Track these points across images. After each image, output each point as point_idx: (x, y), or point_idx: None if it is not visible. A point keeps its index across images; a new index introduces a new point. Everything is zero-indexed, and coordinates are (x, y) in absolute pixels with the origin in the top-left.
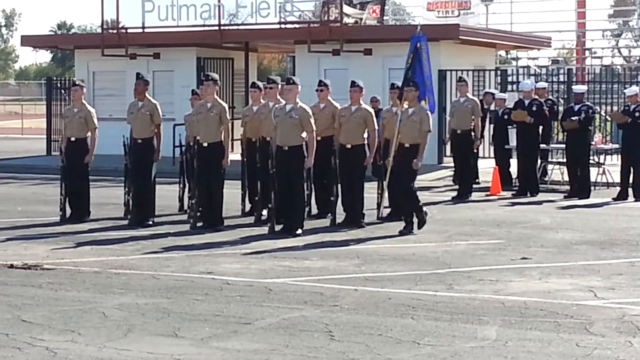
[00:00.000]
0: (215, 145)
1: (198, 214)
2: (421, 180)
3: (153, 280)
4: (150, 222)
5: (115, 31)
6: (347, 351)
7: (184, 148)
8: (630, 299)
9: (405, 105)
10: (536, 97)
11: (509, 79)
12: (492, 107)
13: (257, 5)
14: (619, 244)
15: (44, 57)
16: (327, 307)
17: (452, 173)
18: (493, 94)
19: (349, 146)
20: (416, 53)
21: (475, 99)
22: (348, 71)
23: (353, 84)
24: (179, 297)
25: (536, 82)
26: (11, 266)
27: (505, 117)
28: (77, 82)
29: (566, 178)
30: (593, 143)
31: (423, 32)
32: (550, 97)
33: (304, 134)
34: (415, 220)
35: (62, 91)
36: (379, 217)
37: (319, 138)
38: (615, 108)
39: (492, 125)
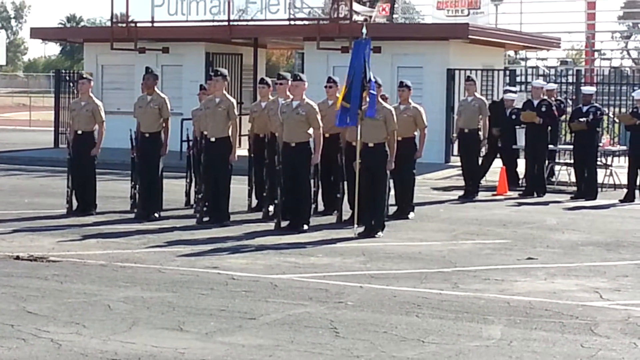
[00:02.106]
0: (223, 141)
1: (205, 208)
2: (428, 179)
3: (158, 274)
4: (157, 216)
5: (124, 25)
6: (351, 348)
7: (191, 142)
8: (635, 301)
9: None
10: (545, 97)
11: (518, 79)
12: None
13: (266, 1)
14: (625, 245)
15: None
16: (332, 303)
17: (459, 172)
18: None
19: (354, 144)
20: (365, 56)
21: (483, 98)
22: None
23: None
24: (184, 291)
25: (545, 82)
26: (17, 258)
27: (514, 117)
28: (84, 75)
29: (573, 179)
30: (601, 144)
31: (369, 36)
32: (558, 97)
33: (311, 131)
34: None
35: (71, 84)
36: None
37: (326, 135)
38: (623, 110)
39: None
